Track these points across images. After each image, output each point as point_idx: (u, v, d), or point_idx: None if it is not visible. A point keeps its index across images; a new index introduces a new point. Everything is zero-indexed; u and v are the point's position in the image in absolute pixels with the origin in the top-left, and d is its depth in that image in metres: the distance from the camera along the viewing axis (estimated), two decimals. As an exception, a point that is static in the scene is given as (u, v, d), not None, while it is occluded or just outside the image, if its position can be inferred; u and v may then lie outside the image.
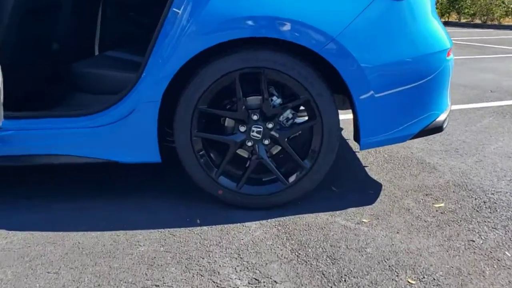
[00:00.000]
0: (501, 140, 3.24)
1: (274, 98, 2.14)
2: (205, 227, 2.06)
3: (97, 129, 2.14)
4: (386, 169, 2.74)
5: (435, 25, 2.17)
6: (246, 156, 2.24)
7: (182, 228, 2.05)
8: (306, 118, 2.19)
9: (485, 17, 16.57)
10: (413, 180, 2.57)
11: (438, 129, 2.23)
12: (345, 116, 3.87)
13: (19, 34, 2.26)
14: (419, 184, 2.51)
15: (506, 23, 16.02)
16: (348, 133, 3.46)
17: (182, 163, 2.16)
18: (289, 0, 1.95)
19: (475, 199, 2.33)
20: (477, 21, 16.80)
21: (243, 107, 2.08)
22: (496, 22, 16.20)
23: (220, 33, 1.97)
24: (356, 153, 3.02)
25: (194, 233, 2.02)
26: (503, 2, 16.05)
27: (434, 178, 2.60)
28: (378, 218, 2.13)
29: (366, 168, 2.74)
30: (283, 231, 2.02)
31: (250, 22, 1.95)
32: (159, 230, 2.04)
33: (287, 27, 1.94)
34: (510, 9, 15.89)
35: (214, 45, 1.98)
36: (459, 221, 2.10)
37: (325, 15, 1.96)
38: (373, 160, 2.88)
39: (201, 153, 2.14)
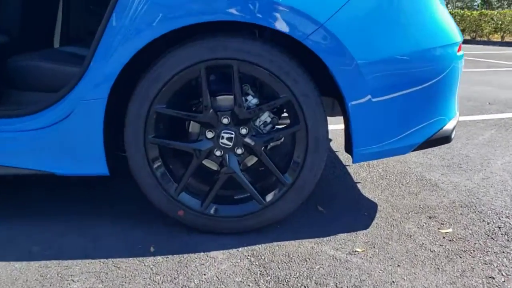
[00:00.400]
0: (508, 155, 2.89)
1: (250, 98, 1.75)
2: (159, 258, 1.64)
3: (28, 133, 1.73)
4: (381, 186, 2.35)
5: (445, 14, 1.81)
6: (214, 168, 1.84)
7: (130, 258, 1.64)
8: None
9: (474, 33, 16.54)
10: (413, 199, 2.19)
11: (446, 139, 1.85)
12: (334, 127, 3.50)
13: None
14: (421, 205, 2.13)
15: (495, 39, 15.96)
16: (337, 144, 3.08)
17: (134, 177, 1.75)
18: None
19: (488, 223, 1.95)
20: (467, 37, 16.75)
21: (211, 108, 1.69)
22: (485, 38, 16.15)
23: (178, 15, 1.58)
24: (347, 167, 2.63)
25: (144, 265, 1.60)
26: (492, 19, 16.03)
27: (437, 197, 2.22)
28: (374, 247, 1.74)
29: (358, 185, 2.36)
30: (257, 263, 1.62)
31: (216, 2, 1.56)
32: (101, 260, 1.62)
33: (263, 9, 1.56)
34: (499, 26, 15.84)
35: (172, 31, 1.60)
36: (472, 251, 1.72)
37: (311, -6, 1.58)
38: (366, 176, 2.50)
39: (157, 164, 1.74)
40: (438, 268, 1.60)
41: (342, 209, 2.06)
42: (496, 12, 16.31)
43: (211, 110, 1.69)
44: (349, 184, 2.38)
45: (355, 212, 2.03)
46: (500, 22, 15.76)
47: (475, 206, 2.11)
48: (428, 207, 2.11)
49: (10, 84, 2.09)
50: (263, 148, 1.74)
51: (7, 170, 1.74)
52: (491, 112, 4.18)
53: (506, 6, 24.22)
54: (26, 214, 1.97)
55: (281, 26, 1.58)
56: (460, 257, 1.68)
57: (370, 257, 1.66)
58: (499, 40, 15.89)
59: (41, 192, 2.20)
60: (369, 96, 1.65)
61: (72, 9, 3.02)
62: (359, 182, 2.40)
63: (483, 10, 19.07)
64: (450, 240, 1.80)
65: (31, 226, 1.86)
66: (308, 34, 1.59)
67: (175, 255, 1.65)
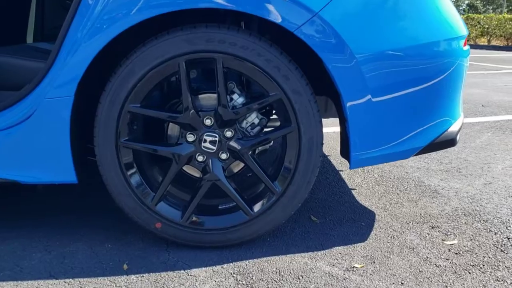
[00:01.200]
0: (508, 159, 2.74)
1: (235, 96, 1.57)
2: (133, 277, 1.45)
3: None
4: (378, 192, 2.19)
5: (450, 6, 1.65)
6: (196, 175, 1.65)
7: (100, 278, 1.44)
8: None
9: (461, 37, 16.57)
10: (412, 207, 2.03)
11: (450, 142, 1.69)
12: (325, 130, 3.33)
13: None
14: (421, 213, 1.96)
15: (481, 43, 16.03)
16: (329, 148, 2.91)
17: (105, 184, 1.56)
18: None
19: (495, 233, 1.79)
20: (453, 40, 16.78)
21: (192, 108, 1.50)
22: (472, 42, 16.20)
23: (152, 3, 1.40)
24: (340, 172, 2.47)
25: (116, 285, 1.40)
26: (479, 23, 16.09)
27: (439, 204, 2.06)
28: (374, 262, 1.56)
29: (353, 192, 2.19)
30: (243, 282, 1.43)
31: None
32: (66, 280, 1.42)
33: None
34: (485, 30, 15.91)
35: (147, 19, 1.41)
36: (481, 266, 1.55)
37: (304, -21, 1.41)
38: (362, 182, 2.33)
39: (131, 171, 1.54)
40: (446, 286, 1.43)
41: (337, 218, 1.89)
42: (482, 16, 16.40)
43: (192, 110, 1.51)
44: (343, 191, 2.20)
45: (351, 222, 1.86)
46: (486, 26, 15.83)
47: (480, 215, 1.95)
48: (429, 215, 1.94)
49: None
50: (250, 152, 1.55)
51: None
52: (485, 114, 4.05)
53: (491, 10, 24.48)
54: (-14, 227, 1.76)
55: (269, 14, 1.40)
56: (469, 273, 1.51)
57: (370, 274, 1.49)
58: (486, 43, 15.95)
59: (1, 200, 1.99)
60: (369, 96, 1.48)
61: (47, 3, 2.82)
62: (354, 189, 2.23)
63: (469, 14, 19.18)
64: (457, 253, 1.63)
65: (-10, 241, 1.66)
66: (300, 24, 1.41)
67: (151, 274, 1.46)
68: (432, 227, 1.83)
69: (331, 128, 3.37)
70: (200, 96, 1.58)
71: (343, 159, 2.64)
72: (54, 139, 1.51)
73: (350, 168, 1.58)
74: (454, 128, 1.70)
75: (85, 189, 2.09)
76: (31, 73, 1.70)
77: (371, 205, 2.04)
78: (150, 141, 1.56)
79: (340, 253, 1.61)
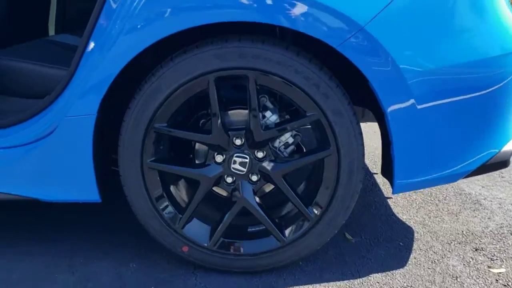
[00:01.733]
0: (555, 162, 2.55)
1: (268, 113, 1.44)
2: (158, 306, 1.38)
3: (5, 151, 1.45)
4: (415, 203, 2.05)
5: (509, 15, 1.47)
6: (224, 194, 1.55)
7: (124, 306, 1.37)
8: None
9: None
10: (453, 222, 1.89)
11: (503, 164, 1.54)
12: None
13: None
14: (463, 230, 1.83)
15: None
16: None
17: (130, 204, 1.47)
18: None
19: (547, 259, 1.65)
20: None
21: (221, 126, 1.39)
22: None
23: (184, 14, 1.27)
24: (375, 175, 2.33)
25: (141, 316, 1.34)
26: None
27: (481, 219, 1.92)
28: (415, 294, 1.46)
29: (389, 201, 2.06)
30: (275, 316, 1.35)
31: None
32: (90, 309, 1.36)
33: (291, 8, 1.23)
34: None
35: (175, 33, 1.28)
36: (533, 302, 1.43)
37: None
38: (398, 189, 2.19)
39: (157, 191, 1.45)
40: (495, 328, 1.32)
41: (373, 237, 1.77)
42: None
43: (221, 129, 1.39)
44: (379, 200, 2.08)
45: (388, 242, 1.74)
46: None
47: (528, 234, 1.81)
48: (472, 234, 1.81)
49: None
50: (282, 175, 1.44)
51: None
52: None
53: None
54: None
55: (310, 29, 1.26)
56: (520, 311, 1.39)
57: (412, 310, 1.38)
58: None
59: (24, 214, 1.93)
60: (418, 118, 1.34)
61: None
62: (390, 197, 2.10)
63: None
64: (505, 286, 1.51)
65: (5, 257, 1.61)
66: (344, 39, 1.26)
67: (177, 303, 1.39)
68: (475, 249, 1.71)
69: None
70: (229, 112, 1.46)
71: (376, 158, 2.51)
72: (76, 158, 1.42)
73: (393, 193, 1.45)
74: (508, 147, 1.54)
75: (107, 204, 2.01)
76: (54, 81, 1.60)
77: (409, 219, 1.91)
78: (176, 161, 1.46)
79: (378, 283, 1.50)
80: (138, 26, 1.28)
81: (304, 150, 1.51)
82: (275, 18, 1.25)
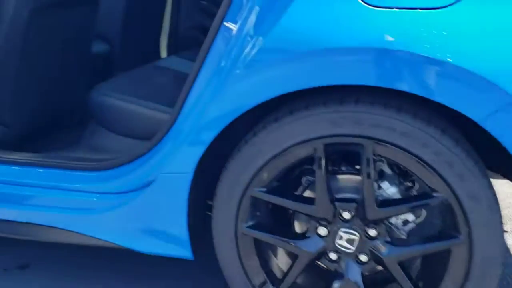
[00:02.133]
0: None
1: (385, 184, 1.22)
2: None
3: (100, 196, 1.42)
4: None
5: None
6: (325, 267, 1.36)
7: None
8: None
9: None
10: None
11: None
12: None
13: (28, 39, 1.58)
14: None
15: None
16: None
17: (222, 270, 1.35)
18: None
19: None
20: None
21: (326, 196, 1.20)
22: None
23: (305, 73, 1.10)
24: (505, 233, 1.96)
25: None
26: None
27: None
28: None
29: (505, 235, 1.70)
30: None
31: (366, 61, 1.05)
32: None
33: (434, 75, 1.00)
34: None
35: (288, 93, 1.12)
36: None
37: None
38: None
39: (251, 261, 1.31)
40: None
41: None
42: None
43: (327, 200, 1.20)
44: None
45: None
46: None
47: None
48: None
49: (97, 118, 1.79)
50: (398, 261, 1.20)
51: (69, 238, 1.45)
52: None
53: None
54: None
55: (450, 99, 1.01)
56: None
57: None
58: None
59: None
60: None
61: (183, 5, 2.66)
62: (506, 231, 1.71)
63: None
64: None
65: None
66: (489, 113, 1.00)
67: None
68: None
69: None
70: (337, 176, 1.25)
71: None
72: (171, 212, 1.34)
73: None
74: None
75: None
76: (156, 124, 1.53)
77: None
78: (272, 229, 1.30)
79: None
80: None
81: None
82: (403, 83, 1.03)
